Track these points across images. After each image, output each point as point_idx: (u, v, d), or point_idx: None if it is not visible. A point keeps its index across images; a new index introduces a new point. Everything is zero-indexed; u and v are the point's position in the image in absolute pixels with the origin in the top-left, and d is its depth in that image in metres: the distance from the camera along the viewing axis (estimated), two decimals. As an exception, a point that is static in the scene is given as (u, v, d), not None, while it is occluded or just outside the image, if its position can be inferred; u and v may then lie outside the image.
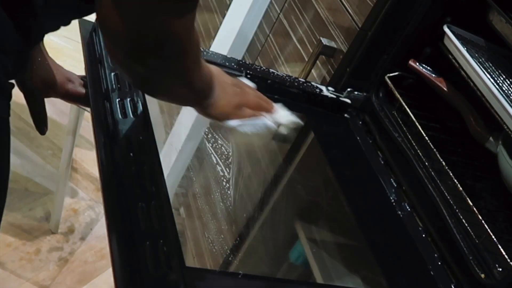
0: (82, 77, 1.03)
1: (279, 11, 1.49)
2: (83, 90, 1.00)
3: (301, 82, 1.17)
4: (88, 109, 0.99)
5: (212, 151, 1.69)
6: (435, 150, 1.05)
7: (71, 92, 1.00)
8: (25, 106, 0.95)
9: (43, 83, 0.95)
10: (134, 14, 0.64)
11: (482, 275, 0.90)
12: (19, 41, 0.74)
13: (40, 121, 0.97)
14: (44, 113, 0.97)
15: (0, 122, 0.74)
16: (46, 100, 0.98)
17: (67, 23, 0.85)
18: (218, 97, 0.92)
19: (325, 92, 1.19)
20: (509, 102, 0.94)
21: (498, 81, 1.00)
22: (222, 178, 1.59)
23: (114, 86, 0.90)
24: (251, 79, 1.11)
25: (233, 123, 0.99)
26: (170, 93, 0.83)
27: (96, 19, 0.67)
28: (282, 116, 1.04)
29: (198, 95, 0.88)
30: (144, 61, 0.69)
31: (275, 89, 1.13)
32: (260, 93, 1.03)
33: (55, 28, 0.83)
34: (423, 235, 1.01)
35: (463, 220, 0.95)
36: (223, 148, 1.63)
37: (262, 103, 1.02)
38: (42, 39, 0.85)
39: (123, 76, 0.87)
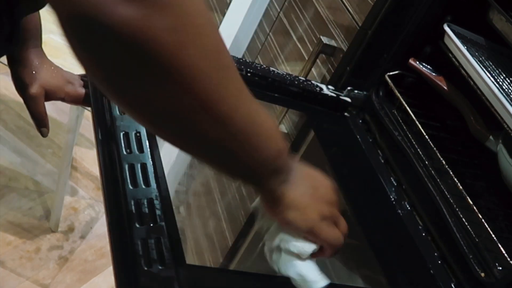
0: (82, 76, 1.03)
1: (279, 10, 1.49)
2: (83, 91, 1.00)
3: (301, 80, 1.17)
4: (89, 107, 0.99)
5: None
6: (435, 149, 1.05)
7: (71, 94, 0.99)
8: (24, 105, 0.95)
9: (42, 87, 0.95)
10: None
11: (482, 274, 0.90)
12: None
13: (41, 123, 0.97)
14: (45, 116, 0.97)
15: None
16: None
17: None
18: (296, 182, 0.59)
19: (325, 91, 1.19)
20: (509, 101, 0.94)
21: (498, 80, 1.00)
22: (222, 176, 1.59)
23: (114, 84, 0.90)
24: (251, 77, 1.11)
25: (303, 246, 0.65)
26: (185, 136, 0.48)
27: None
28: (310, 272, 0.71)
29: (259, 161, 0.52)
30: (118, 75, 0.42)
31: (275, 87, 1.13)
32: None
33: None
34: (423, 234, 1.01)
35: (463, 219, 0.95)
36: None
37: (343, 224, 0.69)
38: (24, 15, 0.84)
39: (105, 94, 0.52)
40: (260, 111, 0.50)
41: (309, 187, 0.60)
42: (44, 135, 0.97)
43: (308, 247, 0.66)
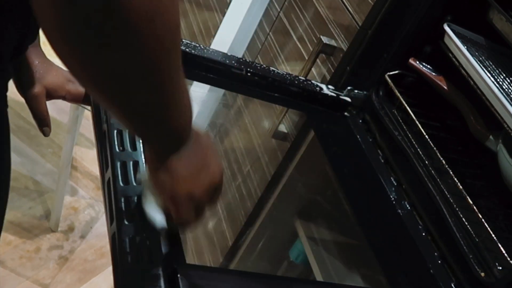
0: None
1: (279, 10, 1.49)
2: (83, 89, 1.00)
3: (301, 80, 1.17)
4: (89, 107, 0.99)
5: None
6: (435, 148, 1.04)
7: (72, 93, 0.99)
8: (24, 104, 0.95)
9: (43, 87, 0.95)
10: None
11: (482, 274, 0.90)
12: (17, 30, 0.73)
13: (43, 123, 0.97)
14: (47, 115, 0.97)
15: None
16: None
17: None
18: (187, 157, 0.63)
19: (325, 91, 1.19)
20: (509, 100, 0.94)
21: (498, 80, 1.00)
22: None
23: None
24: (251, 77, 1.11)
25: (155, 217, 0.70)
26: (125, 102, 0.53)
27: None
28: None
29: (165, 129, 0.59)
30: (90, 38, 0.46)
31: (275, 87, 1.13)
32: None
33: None
34: (423, 234, 1.01)
35: (463, 219, 0.95)
36: (222, 146, 1.63)
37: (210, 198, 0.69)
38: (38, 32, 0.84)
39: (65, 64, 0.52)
40: (185, 90, 0.57)
41: (194, 169, 0.64)
42: (46, 134, 0.97)
43: (159, 220, 0.69)
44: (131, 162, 0.77)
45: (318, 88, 1.18)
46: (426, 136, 1.06)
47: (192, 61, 1.07)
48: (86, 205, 2.05)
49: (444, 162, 1.02)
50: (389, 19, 1.14)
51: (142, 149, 0.77)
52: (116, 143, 0.79)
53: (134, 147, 0.80)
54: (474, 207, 0.95)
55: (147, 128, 0.58)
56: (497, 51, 1.10)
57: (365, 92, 1.20)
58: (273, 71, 1.14)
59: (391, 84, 1.15)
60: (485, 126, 1.11)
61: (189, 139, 0.62)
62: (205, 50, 1.10)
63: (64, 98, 1.00)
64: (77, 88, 1.00)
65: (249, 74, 1.10)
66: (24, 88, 0.93)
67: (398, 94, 1.13)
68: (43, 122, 0.96)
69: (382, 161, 1.13)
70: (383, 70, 1.18)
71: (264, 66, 1.15)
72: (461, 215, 0.96)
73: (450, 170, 1.01)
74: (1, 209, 0.74)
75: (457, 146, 1.14)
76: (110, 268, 0.68)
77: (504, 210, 1.03)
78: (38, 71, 0.93)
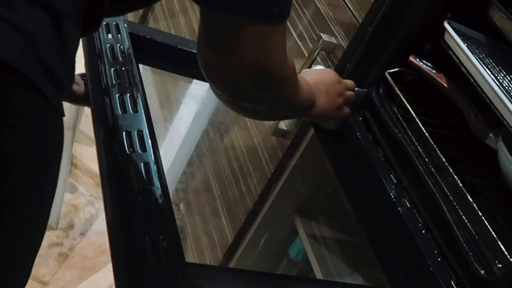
0: (82, 75, 1.03)
1: (279, 7, 1.48)
2: (85, 90, 1.00)
3: (301, 78, 1.16)
4: (89, 106, 0.99)
5: (212, 147, 1.69)
6: (435, 146, 1.04)
7: (78, 94, 1.00)
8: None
9: None
10: (231, 60, 0.71)
11: (482, 271, 0.90)
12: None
13: None
14: None
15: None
16: None
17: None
18: (321, 105, 1.00)
19: (325, 88, 1.18)
20: (509, 98, 0.94)
21: (498, 78, 1.00)
22: (222, 173, 1.59)
23: (114, 81, 0.90)
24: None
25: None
26: (276, 117, 1.04)
27: (200, 61, 0.74)
28: None
29: (303, 111, 0.98)
30: (249, 99, 0.79)
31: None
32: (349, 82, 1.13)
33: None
34: (423, 231, 1.01)
35: (463, 216, 0.95)
36: (222, 144, 1.63)
37: (351, 95, 1.11)
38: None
39: (232, 110, 0.91)
40: (304, 96, 0.93)
41: (326, 101, 1.02)
42: None
43: None
44: (142, 164, 0.77)
45: (318, 86, 1.18)
46: (426, 134, 1.06)
47: (192, 59, 1.07)
48: (86, 202, 2.05)
49: (444, 159, 1.02)
50: (389, 17, 1.14)
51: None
52: (125, 144, 0.79)
53: (144, 149, 0.80)
54: (474, 205, 0.95)
55: (293, 114, 1.06)
56: (498, 49, 1.10)
57: (365, 90, 1.20)
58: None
59: (391, 82, 1.15)
60: (485, 124, 1.11)
61: (315, 103, 0.99)
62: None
63: (69, 100, 1.00)
64: (82, 89, 1.00)
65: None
66: None
67: (398, 92, 1.13)
68: None
69: (382, 158, 1.13)
70: (383, 68, 1.18)
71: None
72: (461, 213, 0.96)
73: (450, 168, 1.01)
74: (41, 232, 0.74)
75: (457, 144, 1.14)
76: (110, 266, 0.68)
77: (504, 208, 1.03)
78: None
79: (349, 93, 1.10)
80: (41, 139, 0.62)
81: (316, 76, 0.99)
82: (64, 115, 0.66)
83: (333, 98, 1.04)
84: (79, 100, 1.01)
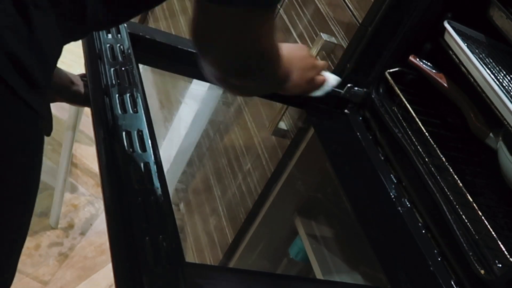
0: (82, 76, 1.03)
1: (279, 7, 1.48)
2: (86, 91, 1.00)
3: (301, 77, 1.16)
4: (89, 106, 0.99)
5: (212, 147, 1.69)
6: (435, 146, 1.04)
7: (78, 94, 0.99)
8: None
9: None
10: (226, 39, 0.72)
11: (482, 271, 0.90)
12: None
13: (46, 123, 0.97)
14: (50, 116, 0.97)
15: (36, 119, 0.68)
16: None
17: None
18: (296, 78, 1.03)
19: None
20: (509, 98, 0.94)
21: (498, 77, 1.00)
22: (222, 173, 1.59)
23: (113, 81, 0.90)
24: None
25: (315, 93, 1.13)
26: (260, 92, 1.02)
27: (193, 41, 0.74)
28: (328, 75, 1.14)
29: (280, 85, 1.00)
30: (239, 77, 0.80)
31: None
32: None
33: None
34: (423, 231, 1.01)
35: (463, 216, 0.95)
36: (222, 144, 1.63)
37: (323, 65, 1.13)
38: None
39: (220, 86, 0.93)
40: (285, 72, 0.95)
41: (298, 75, 1.03)
42: (47, 134, 0.97)
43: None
44: (141, 164, 0.77)
45: (318, 86, 1.18)
46: (426, 134, 1.06)
47: (192, 59, 1.07)
48: (86, 202, 2.05)
49: (444, 159, 1.02)
50: (390, 16, 1.14)
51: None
52: (125, 144, 0.79)
53: (143, 149, 0.80)
54: (474, 205, 0.95)
55: (273, 88, 1.02)
56: (498, 49, 1.10)
57: (365, 90, 1.20)
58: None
59: (391, 82, 1.15)
60: (485, 123, 1.11)
61: (290, 76, 1.00)
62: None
63: (68, 100, 1.00)
64: (81, 90, 1.00)
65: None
66: None
67: (398, 92, 1.13)
68: (45, 122, 0.96)
69: (382, 158, 1.13)
70: (383, 68, 1.18)
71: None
72: (461, 213, 0.96)
73: (450, 168, 1.01)
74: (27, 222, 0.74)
75: (457, 144, 1.14)
76: (110, 265, 0.68)
77: (504, 207, 1.03)
78: None
79: (321, 63, 1.13)
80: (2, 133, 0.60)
81: (289, 51, 1.01)
82: (40, 109, 0.64)
83: (305, 72, 1.06)
84: (78, 100, 1.01)
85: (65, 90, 0.98)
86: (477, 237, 0.93)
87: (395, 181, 1.08)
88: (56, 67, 0.96)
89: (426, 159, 1.05)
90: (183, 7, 2.01)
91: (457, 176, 0.99)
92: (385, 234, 1.02)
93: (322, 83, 1.11)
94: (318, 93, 1.11)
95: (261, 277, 0.86)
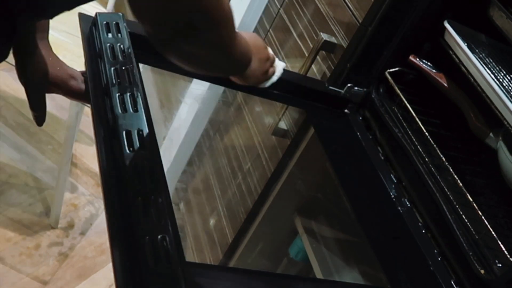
0: (82, 73, 1.03)
1: (279, 6, 1.48)
2: (84, 87, 1.00)
3: (301, 77, 1.16)
4: (89, 104, 0.99)
5: (212, 146, 1.69)
6: (435, 145, 1.04)
7: (74, 89, 0.99)
8: (24, 101, 0.95)
9: (45, 78, 0.95)
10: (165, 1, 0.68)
11: (482, 271, 0.90)
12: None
13: (40, 114, 0.97)
14: (44, 105, 0.97)
15: None
16: (47, 95, 0.98)
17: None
18: (254, 67, 1.02)
19: (325, 88, 1.18)
20: (509, 98, 0.94)
21: (498, 77, 1.00)
22: (222, 173, 1.59)
23: (114, 81, 0.89)
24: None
25: (264, 85, 1.12)
26: (214, 68, 0.90)
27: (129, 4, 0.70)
28: (278, 63, 1.13)
29: (238, 67, 0.96)
30: (184, 38, 0.74)
31: (275, 84, 1.13)
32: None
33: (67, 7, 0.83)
34: (423, 231, 1.01)
35: (463, 216, 0.95)
36: (222, 143, 1.63)
37: (273, 56, 1.12)
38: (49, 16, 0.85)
39: (164, 54, 0.84)
40: (244, 51, 0.93)
41: (256, 65, 1.02)
42: (40, 124, 0.97)
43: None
44: (144, 162, 0.77)
45: (318, 85, 1.18)
46: (426, 133, 1.06)
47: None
48: (86, 201, 2.05)
49: (444, 159, 1.02)
50: (389, 16, 1.14)
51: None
52: (125, 144, 0.79)
53: (143, 147, 0.80)
54: (474, 204, 0.95)
55: (227, 66, 0.92)
56: (498, 48, 1.10)
57: (365, 89, 1.20)
58: (273, 68, 1.13)
59: (391, 81, 1.15)
60: (485, 123, 1.11)
61: (250, 63, 0.99)
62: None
63: (65, 94, 1.00)
64: (79, 85, 1.00)
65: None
66: (27, 76, 0.93)
67: (398, 91, 1.13)
68: (39, 107, 0.96)
69: (382, 158, 1.13)
70: (383, 67, 1.18)
71: (264, 63, 1.14)
72: (461, 212, 0.96)
73: (450, 167, 1.01)
74: None
75: (457, 143, 1.14)
76: (110, 265, 0.68)
77: (504, 207, 1.03)
78: (42, 62, 0.93)
79: (272, 54, 1.12)
80: None
81: (249, 39, 1.00)
82: None
83: (263, 63, 1.06)
84: (76, 95, 1.01)
85: (63, 83, 0.98)
86: (477, 237, 0.93)
87: (395, 181, 1.08)
88: (60, 60, 0.97)
89: (426, 159, 1.05)
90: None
91: (457, 176, 0.99)
92: (385, 233, 1.02)
93: (272, 75, 1.11)
94: (267, 84, 1.11)
95: (261, 276, 0.86)
